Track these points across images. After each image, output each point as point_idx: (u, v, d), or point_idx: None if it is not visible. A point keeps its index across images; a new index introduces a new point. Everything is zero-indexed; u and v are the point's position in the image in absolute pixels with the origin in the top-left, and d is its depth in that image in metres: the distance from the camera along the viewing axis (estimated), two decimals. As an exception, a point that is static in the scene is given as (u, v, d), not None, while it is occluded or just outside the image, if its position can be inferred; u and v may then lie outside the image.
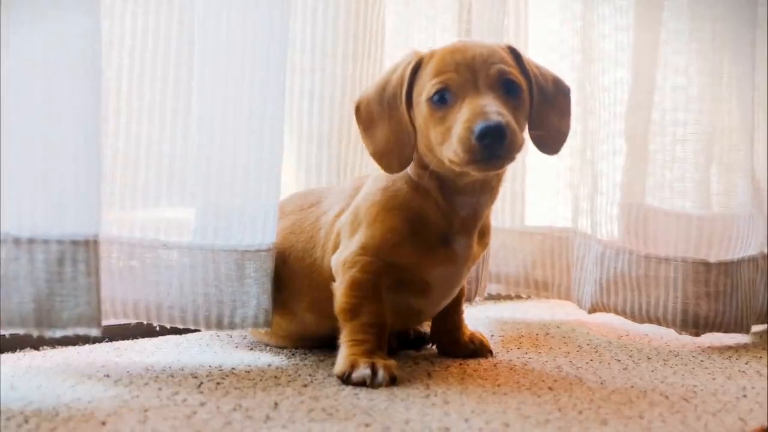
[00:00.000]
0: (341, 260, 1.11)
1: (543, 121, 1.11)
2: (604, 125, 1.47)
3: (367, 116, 1.11)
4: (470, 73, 1.04)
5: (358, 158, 1.42)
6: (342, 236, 1.14)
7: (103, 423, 0.87)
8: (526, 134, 1.09)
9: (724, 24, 1.43)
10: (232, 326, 1.16)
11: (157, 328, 1.22)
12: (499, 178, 1.13)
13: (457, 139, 1.00)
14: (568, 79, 1.54)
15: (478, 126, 0.98)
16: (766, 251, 1.49)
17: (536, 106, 1.10)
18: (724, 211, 1.46)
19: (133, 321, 1.16)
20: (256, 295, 1.15)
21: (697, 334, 1.40)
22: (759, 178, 1.52)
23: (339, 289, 1.11)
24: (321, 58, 1.36)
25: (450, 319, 1.24)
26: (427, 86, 1.05)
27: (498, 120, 0.99)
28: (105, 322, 1.25)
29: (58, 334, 0.98)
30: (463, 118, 1.00)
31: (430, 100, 1.05)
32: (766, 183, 1.56)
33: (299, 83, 1.37)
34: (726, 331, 1.40)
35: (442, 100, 1.04)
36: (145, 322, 1.17)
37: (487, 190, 1.12)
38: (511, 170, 1.58)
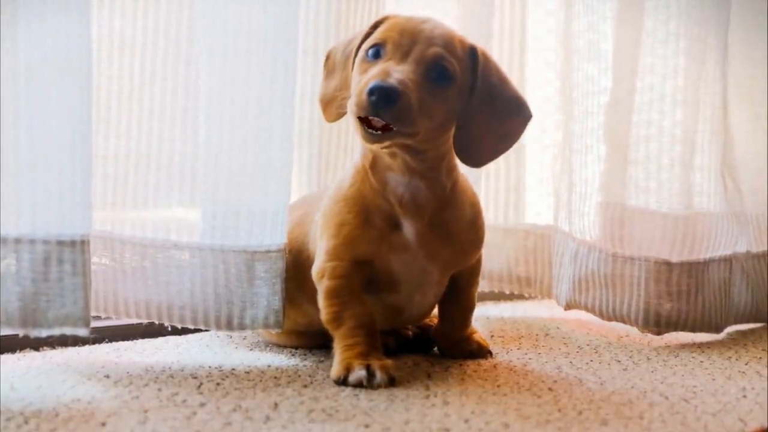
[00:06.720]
0: (315, 271, 1.12)
1: (470, 126, 1.08)
2: (584, 126, 1.46)
3: (331, 64, 1.15)
4: (410, 41, 1.05)
5: (341, 158, 1.41)
6: (318, 242, 1.14)
7: (103, 423, 0.87)
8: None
9: (704, 26, 1.43)
10: (242, 327, 1.16)
11: (167, 327, 1.22)
12: (426, 162, 1.09)
13: (355, 91, 1.02)
14: (557, 77, 1.56)
15: (372, 82, 0.99)
16: (756, 251, 1.49)
17: (471, 110, 1.08)
18: (691, 211, 1.45)
19: (145, 321, 1.17)
20: (266, 296, 1.15)
21: (659, 333, 1.40)
22: (741, 178, 1.52)
23: (320, 300, 1.11)
24: (302, 57, 1.34)
25: (454, 325, 1.23)
26: (369, 39, 1.08)
27: (392, 83, 0.99)
28: (108, 323, 1.26)
29: (44, 333, 0.98)
30: (368, 75, 1.02)
31: (365, 51, 1.07)
32: (766, 183, 1.56)
33: None
34: (692, 331, 1.40)
35: (376, 54, 1.06)
36: (145, 322, 1.17)
37: (417, 173, 1.09)
38: (500, 166, 1.60)
